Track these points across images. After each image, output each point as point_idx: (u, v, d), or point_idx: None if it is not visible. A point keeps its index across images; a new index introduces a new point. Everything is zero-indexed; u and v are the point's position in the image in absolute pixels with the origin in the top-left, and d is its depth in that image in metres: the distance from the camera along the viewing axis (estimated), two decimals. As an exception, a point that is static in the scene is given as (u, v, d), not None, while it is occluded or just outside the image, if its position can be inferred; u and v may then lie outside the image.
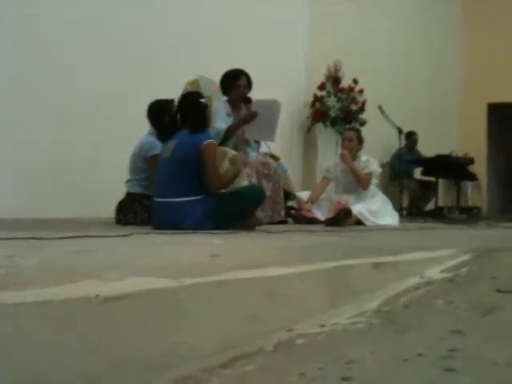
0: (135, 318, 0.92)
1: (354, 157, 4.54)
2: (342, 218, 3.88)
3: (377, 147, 7.07)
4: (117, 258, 1.40)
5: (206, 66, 4.42)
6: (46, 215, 4.00)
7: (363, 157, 4.60)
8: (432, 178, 7.11)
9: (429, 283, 1.43)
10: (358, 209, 4.22)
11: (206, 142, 3.00)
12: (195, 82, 4.28)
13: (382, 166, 7.55)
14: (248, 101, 4.14)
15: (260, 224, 3.62)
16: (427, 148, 7.11)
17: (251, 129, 4.07)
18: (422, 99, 7.72)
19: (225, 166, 3.86)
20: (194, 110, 3.13)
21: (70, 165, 4.48)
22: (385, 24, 7.39)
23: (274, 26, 6.13)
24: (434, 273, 1.54)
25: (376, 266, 1.46)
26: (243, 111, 4.14)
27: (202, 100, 3.13)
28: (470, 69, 8.74)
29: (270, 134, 4.16)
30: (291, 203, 4.60)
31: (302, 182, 6.45)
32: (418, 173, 7.36)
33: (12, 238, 1.87)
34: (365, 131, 6.44)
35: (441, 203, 7.14)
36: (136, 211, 3.61)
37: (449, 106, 8.37)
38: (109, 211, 3.86)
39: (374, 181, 4.66)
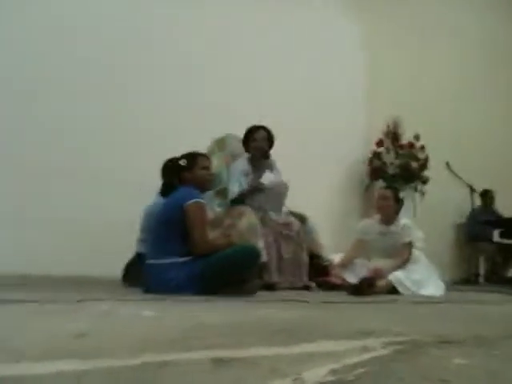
0: None
1: (392, 219, 4.15)
2: (365, 288, 3.49)
3: (446, 207, 6.50)
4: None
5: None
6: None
7: (402, 220, 4.17)
8: (513, 242, 6.34)
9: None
10: (396, 276, 3.81)
11: (188, 202, 2.87)
12: (221, 141, 4.26)
13: (455, 226, 6.91)
14: (267, 157, 4.11)
15: (263, 289, 3.37)
16: (507, 207, 6.39)
17: (261, 199, 3.95)
18: (497, 154, 7.01)
19: (241, 225, 3.71)
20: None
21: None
22: (450, 76, 6.93)
23: (332, 84, 6.00)
24: (314, 375, 1.24)
25: (218, 361, 1.19)
26: (264, 168, 4.03)
27: (180, 162, 3.08)
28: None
29: (276, 209, 4.02)
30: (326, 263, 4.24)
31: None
32: (496, 235, 6.60)
33: None
34: (430, 189, 5.98)
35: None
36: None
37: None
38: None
39: (419, 246, 4.20)
